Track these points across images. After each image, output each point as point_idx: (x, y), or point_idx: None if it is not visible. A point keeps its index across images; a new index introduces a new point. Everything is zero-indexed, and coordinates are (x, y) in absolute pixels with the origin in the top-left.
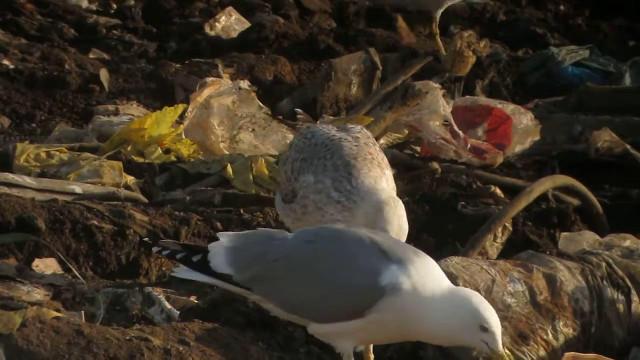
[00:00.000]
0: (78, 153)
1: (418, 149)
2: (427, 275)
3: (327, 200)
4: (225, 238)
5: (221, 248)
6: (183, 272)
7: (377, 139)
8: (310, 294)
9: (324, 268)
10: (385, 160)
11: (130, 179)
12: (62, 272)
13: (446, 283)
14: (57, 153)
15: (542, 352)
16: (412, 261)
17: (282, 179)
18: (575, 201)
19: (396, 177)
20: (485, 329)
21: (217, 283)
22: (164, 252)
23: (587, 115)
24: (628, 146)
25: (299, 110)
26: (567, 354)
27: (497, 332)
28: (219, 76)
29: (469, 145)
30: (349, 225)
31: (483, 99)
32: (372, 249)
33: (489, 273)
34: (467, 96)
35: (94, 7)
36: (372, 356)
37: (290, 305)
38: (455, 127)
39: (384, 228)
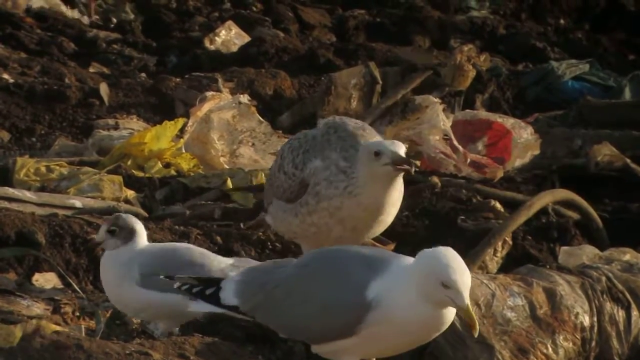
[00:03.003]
0: (78, 167)
1: (418, 163)
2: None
3: (337, 171)
4: (234, 273)
5: (231, 282)
6: (198, 305)
7: None
8: (303, 317)
9: (313, 291)
10: None
11: (130, 193)
12: (62, 286)
13: None
14: (57, 167)
15: None
16: (392, 267)
17: (280, 182)
18: (575, 215)
19: None
20: (446, 285)
21: (228, 313)
22: (183, 288)
23: (587, 130)
24: (628, 160)
25: None
26: None
27: (459, 288)
28: (219, 90)
29: (468, 160)
30: (344, 246)
31: (483, 113)
32: (359, 266)
33: (489, 287)
34: (467, 110)
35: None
36: None
37: (288, 329)
38: (455, 142)
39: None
